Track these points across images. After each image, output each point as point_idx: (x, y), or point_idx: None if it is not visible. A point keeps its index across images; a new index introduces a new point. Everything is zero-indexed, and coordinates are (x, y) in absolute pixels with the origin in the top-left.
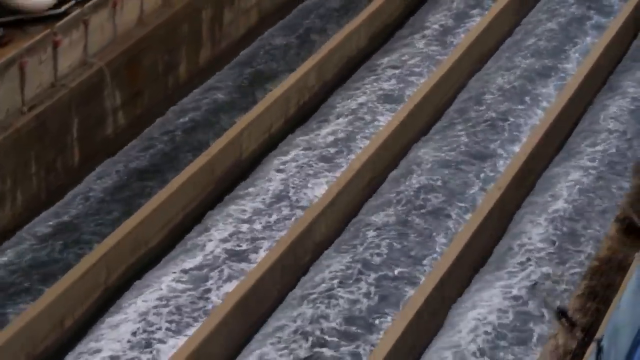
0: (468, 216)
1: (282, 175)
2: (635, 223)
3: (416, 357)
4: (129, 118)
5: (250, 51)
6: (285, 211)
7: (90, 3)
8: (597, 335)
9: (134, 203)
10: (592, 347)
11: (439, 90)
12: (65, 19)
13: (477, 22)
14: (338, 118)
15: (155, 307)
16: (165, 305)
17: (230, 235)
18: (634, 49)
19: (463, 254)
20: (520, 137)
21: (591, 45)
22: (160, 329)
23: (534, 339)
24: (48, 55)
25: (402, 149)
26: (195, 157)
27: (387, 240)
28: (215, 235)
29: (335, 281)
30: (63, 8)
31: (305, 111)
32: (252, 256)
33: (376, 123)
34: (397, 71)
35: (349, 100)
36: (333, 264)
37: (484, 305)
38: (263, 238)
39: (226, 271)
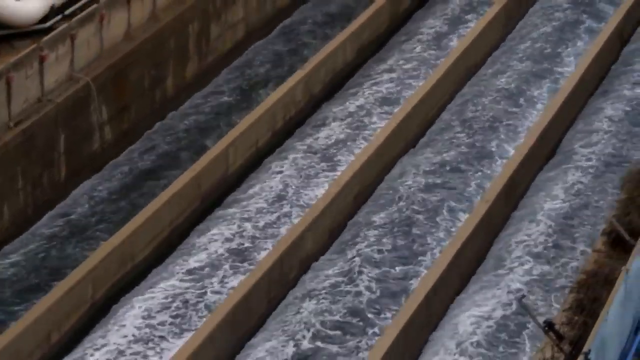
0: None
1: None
2: (622, 236)
3: None
4: (115, 133)
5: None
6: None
7: (77, 18)
8: (585, 349)
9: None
10: None
11: (422, 110)
12: (52, 33)
13: (454, 47)
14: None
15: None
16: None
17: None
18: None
19: (450, 268)
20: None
21: (583, 50)
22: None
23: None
24: (34, 70)
25: (389, 163)
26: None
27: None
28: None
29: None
30: (49, 23)
31: (292, 125)
32: (243, 268)
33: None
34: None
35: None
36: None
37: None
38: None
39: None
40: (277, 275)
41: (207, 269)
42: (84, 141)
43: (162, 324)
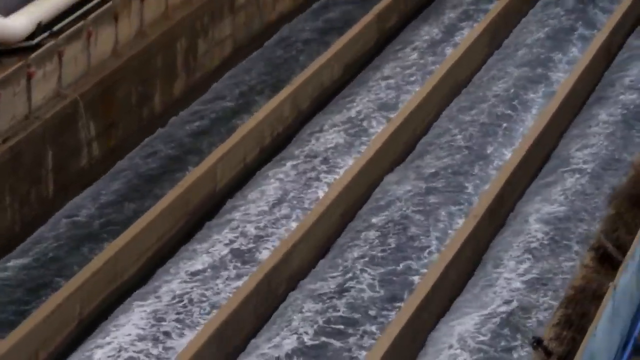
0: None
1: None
2: (610, 252)
3: None
4: (103, 149)
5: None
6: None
7: (64, 34)
8: None
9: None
10: None
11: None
12: (39, 50)
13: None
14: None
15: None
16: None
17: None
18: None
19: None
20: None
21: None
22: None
23: None
24: (22, 87)
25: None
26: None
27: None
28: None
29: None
30: (37, 39)
31: (280, 141)
32: (236, 283)
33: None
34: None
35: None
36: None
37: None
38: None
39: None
40: (265, 291)
41: (197, 282)
42: (71, 158)
43: (153, 338)
